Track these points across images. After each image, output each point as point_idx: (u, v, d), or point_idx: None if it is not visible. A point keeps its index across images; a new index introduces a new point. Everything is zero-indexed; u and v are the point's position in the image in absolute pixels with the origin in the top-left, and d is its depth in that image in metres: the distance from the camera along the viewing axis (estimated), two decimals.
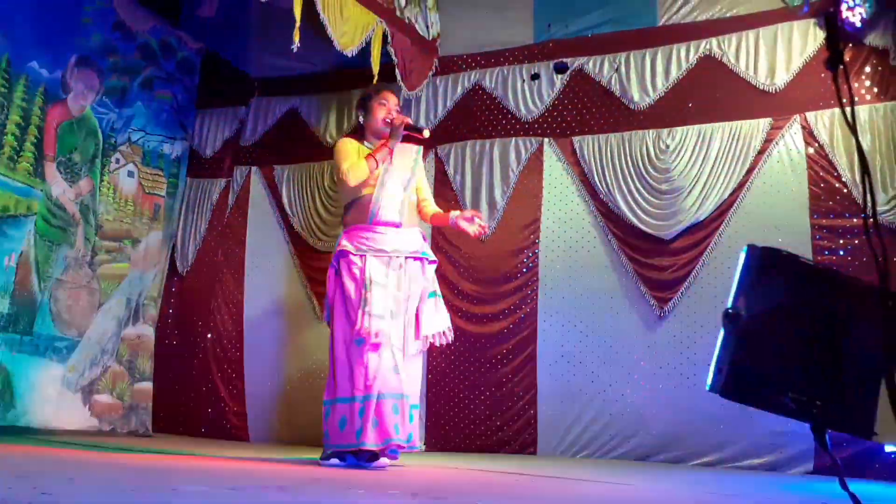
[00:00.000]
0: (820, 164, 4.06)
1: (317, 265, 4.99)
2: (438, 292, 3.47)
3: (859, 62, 4.02)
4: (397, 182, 3.44)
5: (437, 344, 3.45)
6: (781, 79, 4.21)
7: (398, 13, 4.59)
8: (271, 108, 5.44)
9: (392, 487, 2.30)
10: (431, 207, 3.67)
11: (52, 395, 4.35)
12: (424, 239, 3.53)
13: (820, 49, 4.12)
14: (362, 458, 3.13)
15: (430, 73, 4.95)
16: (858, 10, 3.91)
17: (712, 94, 4.36)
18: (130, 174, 4.97)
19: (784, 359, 1.51)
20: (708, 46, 4.41)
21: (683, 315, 4.20)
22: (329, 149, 5.15)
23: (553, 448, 4.33)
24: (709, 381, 1.54)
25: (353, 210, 3.41)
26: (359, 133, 3.63)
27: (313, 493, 1.99)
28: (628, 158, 4.45)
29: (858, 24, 3.93)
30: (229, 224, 5.37)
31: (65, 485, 1.81)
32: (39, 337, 4.31)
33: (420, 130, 3.47)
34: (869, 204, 1.39)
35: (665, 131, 4.40)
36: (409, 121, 3.45)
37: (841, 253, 3.92)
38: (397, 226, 3.37)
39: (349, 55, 4.26)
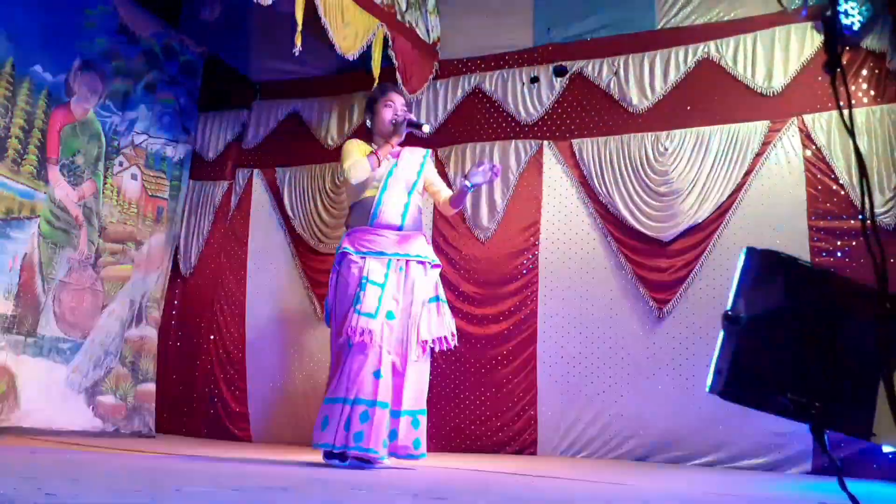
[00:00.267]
0: (817, 167, 4.08)
1: (318, 267, 5.02)
2: (442, 297, 3.41)
3: (856, 65, 4.04)
4: (401, 185, 3.42)
5: (437, 350, 3.39)
6: (779, 82, 4.23)
7: (399, 17, 4.62)
8: (273, 111, 5.48)
9: (393, 488, 2.32)
10: (445, 193, 3.61)
11: (55, 397, 4.36)
12: (427, 243, 3.53)
13: (817, 52, 4.14)
14: (334, 458, 3.11)
15: (431, 77, 4.98)
16: (855, 13, 3.93)
17: (710, 97, 4.39)
18: (133, 177, 4.99)
19: (783, 360, 1.53)
20: (706, 50, 4.43)
21: (682, 316, 4.22)
22: (330, 151, 5.20)
23: (553, 448, 4.35)
24: (708, 382, 1.55)
25: (356, 212, 3.42)
26: (366, 135, 3.62)
27: (316, 494, 2.01)
28: (627, 161, 4.47)
29: (855, 28, 3.95)
30: (231, 226, 5.40)
31: (69, 485, 1.81)
32: (43, 338, 4.32)
33: (420, 126, 3.45)
34: (866, 206, 1.41)
35: (664, 134, 4.43)
36: (412, 116, 3.46)
37: (839, 254, 3.94)
38: (398, 229, 3.35)
39: (350, 59, 4.30)
